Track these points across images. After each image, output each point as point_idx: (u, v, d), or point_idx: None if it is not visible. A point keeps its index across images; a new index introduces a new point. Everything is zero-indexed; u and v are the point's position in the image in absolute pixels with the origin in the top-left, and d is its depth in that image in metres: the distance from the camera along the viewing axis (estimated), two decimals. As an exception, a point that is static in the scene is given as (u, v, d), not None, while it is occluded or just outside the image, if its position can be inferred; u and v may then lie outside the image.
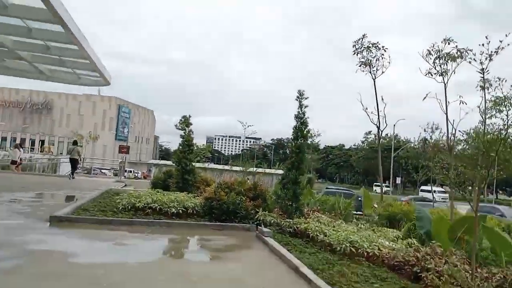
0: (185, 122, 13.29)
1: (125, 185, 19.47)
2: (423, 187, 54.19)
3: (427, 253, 6.12)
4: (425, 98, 10.96)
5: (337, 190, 30.24)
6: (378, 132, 13.87)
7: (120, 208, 9.83)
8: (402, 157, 71.53)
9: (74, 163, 20.51)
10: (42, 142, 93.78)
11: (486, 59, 10.15)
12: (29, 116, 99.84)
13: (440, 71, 10.91)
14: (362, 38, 13.83)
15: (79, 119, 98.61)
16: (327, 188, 36.55)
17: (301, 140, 9.65)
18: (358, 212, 15.57)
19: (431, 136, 53.79)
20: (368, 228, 8.50)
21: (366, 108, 13.88)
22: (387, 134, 70.66)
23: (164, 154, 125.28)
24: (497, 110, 16.96)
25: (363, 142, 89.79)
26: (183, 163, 12.72)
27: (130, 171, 50.56)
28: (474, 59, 9.78)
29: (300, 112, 9.76)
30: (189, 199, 10.69)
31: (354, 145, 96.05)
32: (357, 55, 13.94)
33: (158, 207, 9.82)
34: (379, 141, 15.07)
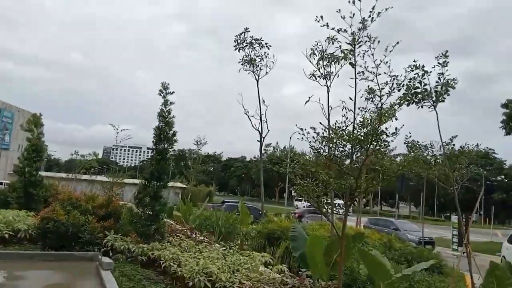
0: (34, 121, 10.82)
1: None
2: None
3: (295, 287, 4.92)
4: (307, 102, 10.08)
5: (235, 204, 29.12)
6: (260, 138, 12.83)
7: None
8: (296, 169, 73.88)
9: None
10: None
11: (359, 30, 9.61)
12: None
13: (323, 74, 10.13)
14: (244, 33, 12.70)
15: None
16: (225, 201, 35.30)
17: (165, 144, 8.04)
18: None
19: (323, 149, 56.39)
20: (236, 251, 7.14)
21: (248, 111, 12.75)
22: (284, 146, 72.32)
23: (53, 164, 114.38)
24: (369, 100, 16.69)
25: (262, 154, 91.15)
26: (27, 173, 10.25)
27: (0, 183, 44.05)
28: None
29: (164, 110, 8.17)
30: (25, 219, 8.42)
31: (254, 157, 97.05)
32: (239, 51, 12.75)
33: (-27, 231, 7.47)
34: (260, 148, 14.03)
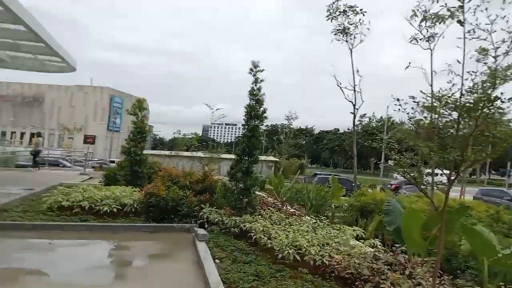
0: (138, 106, 11.66)
1: (90, 178, 18.05)
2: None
3: (388, 262, 4.66)
4: (407, 67, 9.33)
5: (327, 176, 28.77)
6: (354, 109, 12.31)
7: (45, 207, 8.39)
8: (394, 139, 69.97)
9: (35, 155, 19.08)
10: (32, 135, 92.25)
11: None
12: (20, 109, 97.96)
13: (426, 36, 9.25)
14: (337, 1, 12.11)
15: (70, 110, 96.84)
16: (316, 174, 35.07)
17: (255, 122, 8.09)
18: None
19: (425, 117, 52.50)
20: (326, 224, 7.00)
21: (340, 83, 12.27)
22: (381, 117, 69.00)
23: (158, 143, 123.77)
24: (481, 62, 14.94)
25: (356, 125, 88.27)
26: (133, 153, 11.16)
27: (113, 161, 48.90)
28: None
29: (255, 88, 8.17)
30: (130, 194, 9.21)
31: (348, 129, 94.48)
32: (331, 21, 12.23)
33: (89, 205, 8.36)
34: (354, 119, 13.49)
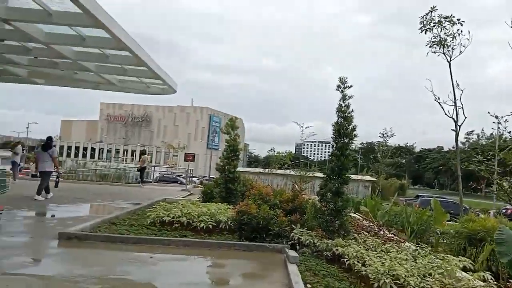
0: (231, 125, 12.12)
1: (190, 194, 19.09)
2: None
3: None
4: None
5: (430, 199, 26.70)
6: (456, 127, 11.27)
7: (148, 222, 9.02)
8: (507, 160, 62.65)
9: (141, 172, 20.78)
10: (142, 152, 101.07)
11: None
12: (130, 129, 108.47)
13: None
14: (431, 12, 11.35)
15: (174, 130, 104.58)
16: (419, 196, 32.83)
17: (344, 140, 7.86)
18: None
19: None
20: (428, 253, 6.41)
21: (438, 98, 11.37)
22: (491, 134, 62.67)
23: (253, 160, 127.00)
24: None
25: (463, 143, 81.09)
26: (226, 170, 11.56)
27: (212, 178, 51.12)
28: None
29: (343, 105, 7.96)
30: (225, 211, 9.49)
31: (453, 147, 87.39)
32: (425, 32, 11.50)
33: (187, 221, 8.80)
34: (456, 137, 12.34)
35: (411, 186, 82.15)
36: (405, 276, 4.99)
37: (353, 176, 29.58)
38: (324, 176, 7.92)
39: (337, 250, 6.61)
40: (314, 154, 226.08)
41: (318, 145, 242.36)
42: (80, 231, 7.78)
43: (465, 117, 11.40)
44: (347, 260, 5.99)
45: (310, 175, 14.74)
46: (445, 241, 9.15)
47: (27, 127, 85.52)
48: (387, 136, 40.06)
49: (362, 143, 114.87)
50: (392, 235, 8.45)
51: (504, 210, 29.42)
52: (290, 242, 7.48)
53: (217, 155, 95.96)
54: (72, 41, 13.74)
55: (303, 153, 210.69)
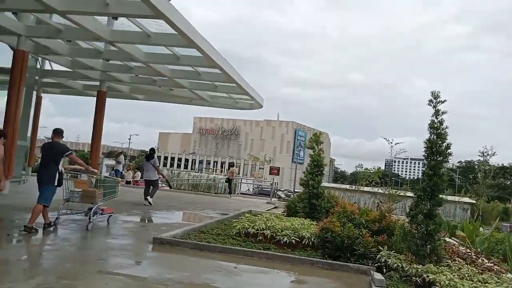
0: (315, 140, 12.06)
1: (275, 207, 19.28)
2: None
3: None
4: None
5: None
6: None
7: (234, 232, 9.31)
8: None
9: (229, 183, 21.55)
10: (230, 164, 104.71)
11: None
12: (220, 141, 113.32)
13: None
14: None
15: (261, 143, 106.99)
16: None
17: (437, 158, 7.38)
18: None
19: None
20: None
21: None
22: None
23: (339, 176, 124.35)
24: None
25: None
26: (310, 186, 11.49)
27: (296, 192, 50.95)
28: None
29: (435, 121, 7.48)
30: (308, 227, 9.43)
31: None
32: None
33: (270, 234, 8.90)
34: None
35: (518, 211, 73.67)
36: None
37: (449, 197, 27.47)
38: (415, 196, 7.48)
39: (427, 276, 6.19)
40: (405, 171, 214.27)
41: (410, 162, 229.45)
42: (172, 237, 8.28)
43: None
44: (438, 289, 5.58)
45: (401, 194, 14.04)
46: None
47: (129, 138, 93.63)
48: (488, 155, 36.19)
49: (461, 161, 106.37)
50: (492, 264, 7.67)
51: None
52: (376, 265, 7.18)
53: (301, 169, 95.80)
54: (168, 60, 14.98)
55: (394, 170, 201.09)
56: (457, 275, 6.13)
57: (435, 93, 7.57)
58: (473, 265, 7.09)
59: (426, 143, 7.59)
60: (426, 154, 7.61)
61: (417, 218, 7.19)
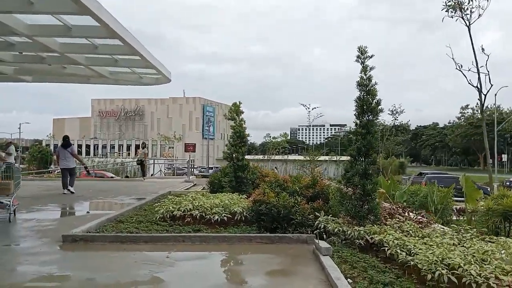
0: (235, 110, 11.40)
1: (194, 185, 18.50)
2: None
3: None
4: None
5: (437, 176, 26.14)
6: (480, 96, 10.63)
7: (158, 217, 8.39)
8: (507, 131, 62.35)
9: (141, 165, 20.14)
10: (137, 146, 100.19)
11: None
12: (124, 123, 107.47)
13: None
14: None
15: (168, 122, 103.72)
16: (422, 173, 32.34)
17: (368, 116, 7.21)
18: (460, 199, 12.50)
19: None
20: (474, 235, 5.83)
21: (461, 66, 10.69)
22: (487, 106, 62.31)
23: (250, 148, 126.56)
24: None
25: (459, 118, 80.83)
26: (235, 158, 10.91)
27: (211, 168, 50.65)
28: None
29: (364, 78, 7.28)
30: (238, 202, 8.88)
31: (449, 122, 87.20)
32: None
33: (199, 214, 8.17)
34: (481, 108, 11.71)
35: (409, 164, 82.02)
36: (463, 264, 4.40)
37: (344, 158, 28.51)
38: (350, 157, 7.28)
39: (371, 238, 6.02)
40: (310, 138, 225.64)
41: (312, 129, 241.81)
42: (86, 232, 7.16)
43: (491, 85, 10.72)
44: (388, 249, 5.39)
45: (320, 159, 14.16)
46: (475, 220, 8.63)
47: (19, 128, 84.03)
48: (397, 112, 38.26)
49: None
50: (421, 217, 7.87)
51: (508, 183, 29.13)
52: (315, 232, 6.88)
53: (213, 144, 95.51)
54: (57, 32, 12.81)
55: (299, 137, 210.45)
56: (401, 232, 6.05)
57: (362, 48, 7.32)
58: (410, 220, 7.14)
59: (356, 101, 7.37)
60: (357, 113, 7.41)
61: (354, 179, 7.00)
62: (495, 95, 47.79)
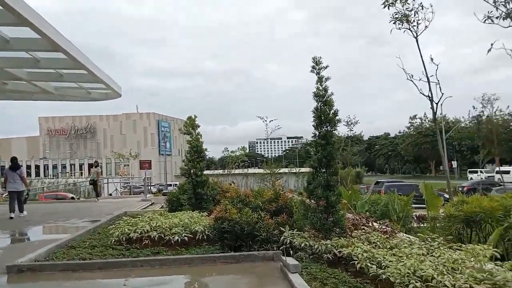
0: (191, 124, 11.01)
1: (151, 204, 17.75)
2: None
3: None
4: (490, 50, 8.20)
5: (395, 184, 26.79)
6: (432, 105, 10.90)
7: (113, 241, 7.81)
8: (454, 139, 65.67)
9: (94, 185, 19.16)
10: (90, 165, 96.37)
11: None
12: (75, 142, 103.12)
13: (506, 12, 8.08)
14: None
15: (122, 138, 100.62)
16: (379, 182, 33.16)
17: (327, 127, 7.11)
18: (419, 206, 12.75)
19: (482, 112, 48.57)
20: (442, 243, 5.79)
21: (411, 76, 10.96)
22: (439, 115, 65.53)
23: (209, 162, 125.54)
24: None
25: (408, 128, 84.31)
26: (193, 174, 10.48)
27: (170, 185, 49.48)
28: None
29: (320, 88, 7.20)
30: (199, 220, 8.47)
31: (399, 132, 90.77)
32: (388, 8, 10.97)
33: (158, 235, 7.69)
34: (434, 116, 12.04)
35: (365, 174, 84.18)
36: (436, 275, 4.27)
37: (304, 169, 28.56)
38: (311, 169, 7.11)
39: (339, 251, 5.83)
40: (268, 151, 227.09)
41: (270, 142, 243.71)
42: (34, 261, 6.49)
43: (442, 93, 11.03)
44: (358, 263, 5.20)
45: (280, 171, 14.01)
46: (437, 227, 8.73)
47: (-42, 151, 78.33)
48: (352, 123, 39.13)
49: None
50: (385, 226, 7.82)
51: (460, 188, 30.39)
52: (281, 247, 6.61)
53: (170, 160, 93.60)
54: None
55: (257, 151, 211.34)
56: (368, 244, 5.91)
57: (316, 59, 7.25)
58: (377, 231, 7.04)
59: (314, 112, 7.26)
60: (315, 124, 7.30)
61: (317, 191, 6.82)
62: (441, 105, 50.23)
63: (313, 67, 7.38)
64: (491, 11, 8.95)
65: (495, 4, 8.85)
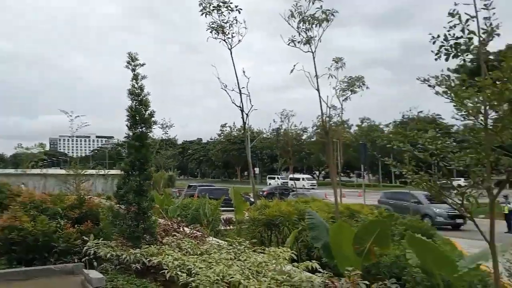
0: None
1: None
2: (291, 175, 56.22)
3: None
4: (292, 70, 9.30)
5: (208, 188, 27.64)
6: (242, 115, 11.67)
7: None
8: (257, 148, 72.91)
9: None
10: None
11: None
12: None
13: (305, 38, 9.35)
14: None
15: None
16: (190, 186, 33.81)
17: (141, 128, 6.80)
18: (227, 209, 13.45)
19: (281, 126, 55.53)
20: (247, 247, 6.10)
21: (226, 86, 11.56)
22: (241, 126, 71.13)
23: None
24: (351, 91, 16.58)
25: (219, 135, 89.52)
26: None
27: None
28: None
29: (136, 87, 6.87)
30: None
31: (211, 138, 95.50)
32: (205, 16, 11.32)
33: None
34: (244, 126, 12.92)
35: (178, 177, 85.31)
36: (243, 280, 4.44)
37: (113, 172, 27.04)
38: (123, 172, 6.65)
39: (149, 260, 5.56)
40: (73, 150, 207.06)
41: (76, 140, 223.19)
42: None
43: (252, 105, 11.86)
44: (168, 272, 5.03)
45: (87, 173, 12.80)
46: (242, 231, 9.28)
47: None
48: (167, 126, 38.41)
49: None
50: (196, 231, 7.90)
51: (261, 193, 33.50)
52: (84, 259, 5.96)
53: None
54: None
55: (60, 149, 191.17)
56: (179, 251, 5.81)
57: (132, 54, 6.89)
58: (188, 237, 7.00)
59: (128, 111, 6.86)
60: (129, 124, 6.89)
61: (128, 197, 6.40)
62: (248, 115, 54.96)
63: (128, 62, 6.99)
64: (295, 36, 10.11)
65: (298, 30, 10.02)
